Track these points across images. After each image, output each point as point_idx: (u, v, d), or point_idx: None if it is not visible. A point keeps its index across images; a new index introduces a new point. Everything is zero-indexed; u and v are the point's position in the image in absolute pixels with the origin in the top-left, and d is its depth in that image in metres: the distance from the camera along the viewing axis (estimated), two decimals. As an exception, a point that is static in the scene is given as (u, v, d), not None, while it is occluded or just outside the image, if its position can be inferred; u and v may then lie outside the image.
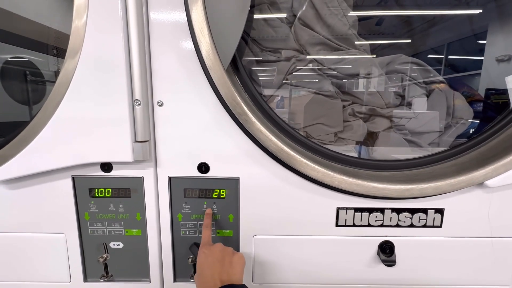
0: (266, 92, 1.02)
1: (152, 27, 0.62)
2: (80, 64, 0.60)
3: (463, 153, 0.74)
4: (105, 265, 0.74)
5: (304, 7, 1.03)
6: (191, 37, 0.61)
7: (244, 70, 0.68)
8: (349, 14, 0.89)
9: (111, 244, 0.73)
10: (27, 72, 1.49)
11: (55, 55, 1.65)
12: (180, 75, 0.64)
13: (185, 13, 0.60)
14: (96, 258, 0.73)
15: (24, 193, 0.69)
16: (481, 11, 1.34)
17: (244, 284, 0.55)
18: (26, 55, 1.38)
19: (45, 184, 0.69)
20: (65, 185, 0.69)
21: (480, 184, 0.66)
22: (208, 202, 0.70)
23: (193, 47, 0.61)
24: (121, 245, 0.73)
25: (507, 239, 0.70)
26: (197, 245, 0.71)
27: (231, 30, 0.60)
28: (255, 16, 0.85)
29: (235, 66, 0.68)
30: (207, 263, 0.57)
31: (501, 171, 0.65)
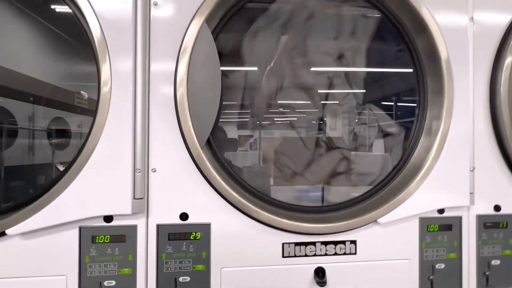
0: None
1: (152, 115, 0.90)
2: (100, 142, 0.85)
3: (370, 197, 1.06)
4: (98, 302, 0.89)
5: (272, 63, 1.40)
6: (178, 124, 0.90)
7: (215, 145, 0.98)
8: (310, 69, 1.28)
9: (105, 283, 0.90)
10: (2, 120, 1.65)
11: (31, 101, 1.87)
12: (169, 150, 0.91)
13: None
14: (91, 296, 0.88)
15: (36, 242, 0.86)
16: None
17: None
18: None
19: (54, 234, 0.87)
20: (73, 234, 0.88)
21: (376, 222, 0.97)
22: (186, 242, 0.92)
23: (180, 132, 0.90)
24: (113, 283, 0.90)
25: (397, 261, 1.00)
26: None
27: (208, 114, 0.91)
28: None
29: (209, 143, 0.98)
30: None
31: (389, 210, 0.97)
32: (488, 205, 1.04)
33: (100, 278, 0.90)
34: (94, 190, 0.85)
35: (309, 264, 0.96)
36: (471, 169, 1.01)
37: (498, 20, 1.05)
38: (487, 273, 1.03)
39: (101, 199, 0.86)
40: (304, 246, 0.96)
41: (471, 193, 1.01)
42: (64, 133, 1.61)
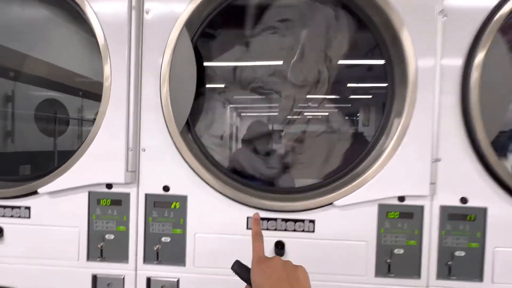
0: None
1: (143, 105, 1.11)
2: (103, 125, 1.08)
3: (332, 183, 1.14)
4: (101, 251, 1.14)
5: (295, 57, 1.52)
6: (162, 113, 1.09)
7: (194, 128, 1.16)
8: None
9: (106, 236, 1.14)
10: (56, 110, 2.06)
11: (80, 95, 2.29)
12: (155, 133, 1.11)
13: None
14: (96, 245, 1.14)
15: (58, 201, 1.14)
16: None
17: None
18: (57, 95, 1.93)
19: (71, 195, 1.14)
20: (84, 197, 1.13)
21: (331, 204, 1.06)
22: (167, 210, 1.12)
23: (163, 119, 1.10)
24: (112, 236, 1.14)
25: (354, 242, 1.07)
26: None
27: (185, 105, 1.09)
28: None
29: (188, 126, 1.16)
30: (271, 283, 0.50)
31: (346, 194, 1.05)
32: (455, 196, 1.05)
33: (103, 232, 1.14)
34: (98, 163, 1.09)
35: (270, 237, 1.09)
36: (433, 160, 1.03)
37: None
38: (449, 263, 1.05)
39: (103, 170, 1.09)
40: (266, 221, 1.10)
41: (432, 183, 1.03)
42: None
